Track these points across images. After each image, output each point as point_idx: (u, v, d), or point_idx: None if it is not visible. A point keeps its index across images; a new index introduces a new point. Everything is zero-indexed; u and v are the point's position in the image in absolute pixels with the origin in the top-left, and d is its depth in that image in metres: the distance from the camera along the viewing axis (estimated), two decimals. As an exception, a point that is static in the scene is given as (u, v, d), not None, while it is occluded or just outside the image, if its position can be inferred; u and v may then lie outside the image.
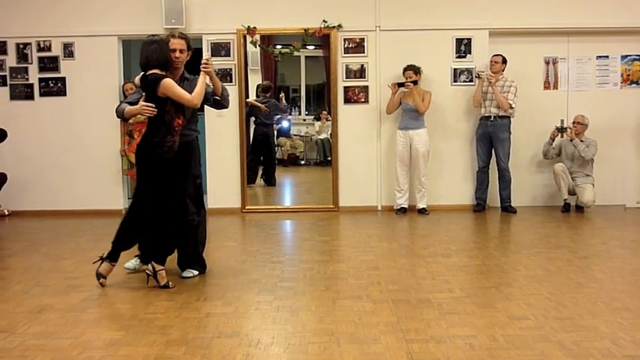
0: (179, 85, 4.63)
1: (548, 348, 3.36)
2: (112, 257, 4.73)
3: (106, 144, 8.06)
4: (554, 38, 8.15)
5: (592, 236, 6.60)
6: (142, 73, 4.61)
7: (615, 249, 5.83)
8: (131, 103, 4.77)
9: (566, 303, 4.15)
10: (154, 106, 4.51)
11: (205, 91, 4.73)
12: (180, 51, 4.76)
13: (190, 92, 4.58)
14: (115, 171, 8.14)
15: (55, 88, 8.05)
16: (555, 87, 8.29)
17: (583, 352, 3.30)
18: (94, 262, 4.77)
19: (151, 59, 4.55)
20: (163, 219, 4.62)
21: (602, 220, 7.31)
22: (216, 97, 4.94)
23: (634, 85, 8.29)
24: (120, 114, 4.85)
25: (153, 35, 4.73)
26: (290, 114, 11.69)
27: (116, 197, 8.17)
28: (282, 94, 10.59)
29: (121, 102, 4.87)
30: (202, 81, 4.66)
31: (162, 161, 4.55)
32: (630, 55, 8.26)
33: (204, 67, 4.70)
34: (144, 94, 4.62)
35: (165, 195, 4.61)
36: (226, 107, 5.13)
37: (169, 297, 4.42)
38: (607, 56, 8.26)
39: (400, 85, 7.72)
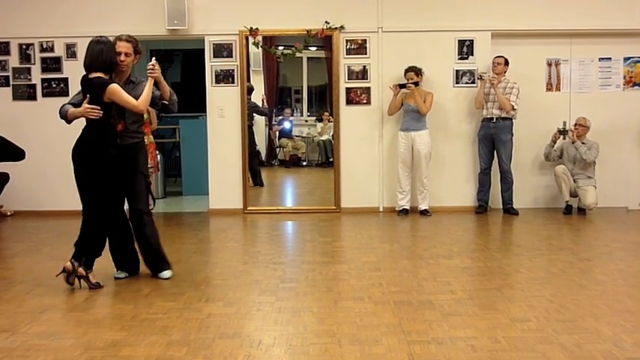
0: (124, 88, 4.61)
1: (550, 350, 3.36)
2: (85, 264, 4.64)
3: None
4: (556, 40, 8.14)
5: (594, 238, 6.59)
6: (85, 73, 4.59)
7: (617, 251, 5.82)
8: (74, 105, 4.68)
9: (568, 305, 4.15)
10: (99, 108, 4.49)
11: (153, 95, 4.71)
12: (126, 54, 4.75)
13: (135, 95, 4.57)
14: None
15: (57, 88, 8.07)
16: (558, 89, 8.28)
17: (585, 355, 3.30)
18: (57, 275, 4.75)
19: (95, 60, 4.55)
20: (99, 218, 4.60)
21: (605, 222, 7.30)
22: (164, 102, 4.89)
23: (636, 87, 8.28)
24: (63, 115, 4.71)
25: (101, 36, 4.69)
26: (292, 115, 11.69)
27: (118, 198, 8.16)
28: (263, 97, 10.50)
29: (64, 104, 4.78)
30: (149, 86, 4.65)
31: (104, 162, 4.54)
32: (633, 57, 8.25)
33: (150, 73, 4.68)
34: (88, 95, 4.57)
35: (104, 195, 4.60)
36: (174, 112, 5.05)
37: (171, 297, 4.42)
38: (609, 58, 8.26)
39: (402, 86, 7.72)
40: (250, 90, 9.49)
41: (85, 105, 4.53)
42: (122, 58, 4.71)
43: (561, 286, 4.65)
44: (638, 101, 8.23)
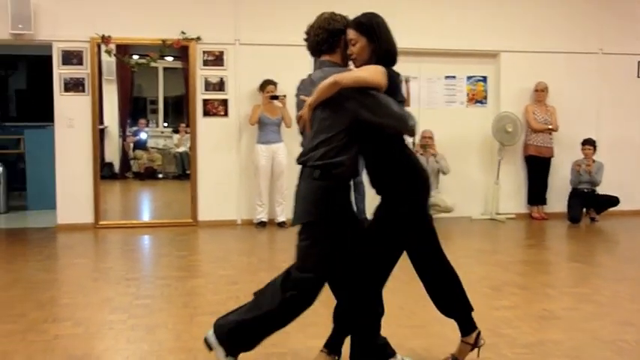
0: None
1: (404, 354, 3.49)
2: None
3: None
4: (407, 58, 8.47)
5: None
6: None
7: (461, 258, 6.13)
8: None
9: (417, 311, 4.34)
10: None
11: None
12: None
13: None
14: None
15: None
16: (408, 104, 8.65)
17: (434, 358, 3.46)
18: None
19: None
20: None
21: (450, 232, 7.71)
22: None
23: (478, 104, 8.87)
24: None
25: None
26: (147, 126, 11.37)
27: None
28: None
29: None
30: None
31: None
32: (475, 76, 8.84)
33: None
34: None
35: None
36: None
37: (12, 319, 4.13)
38: (454, 76, 8.79)
39: (273, 97, 7.70)
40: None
41: None
42: None
43: (411, 293, 4.83)
44: (480, 117, 8.81)
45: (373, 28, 3.02)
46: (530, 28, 8.71)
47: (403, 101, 3.12)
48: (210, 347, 3.14)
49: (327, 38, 3.07)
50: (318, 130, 3.02)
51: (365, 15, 3.07)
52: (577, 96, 8.84)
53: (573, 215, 8.34)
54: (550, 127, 8.57)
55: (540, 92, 8.63)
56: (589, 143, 8.39)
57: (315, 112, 3.01)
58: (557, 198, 8.70)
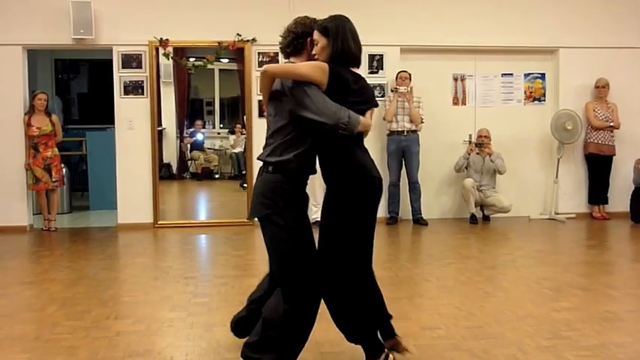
0: None
1: (459, 356, 3.46)
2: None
3: (11, 157, 7.72)
4: (462, 56, 8.44)
5: (499, 247, 6.84)
6: None
7: (520, 259, 6.06)
8: None
9: (475, 312, 4.28)
10: None
11: None
12: None
13: None
14: (19, 185, 7.79)
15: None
16: (464, 103, 8.58)
17: (491, 359, 3.40)
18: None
19: None
20: None
21: (508, 232, 7.59)
22: None
23: (536, 101, 8.70)
24: None
25: None
26: (204, 127, 11.56)
27: (20, 213, 7.82)
28: None
29: None
30: None
31: None
32: (533, 74, 8.67)
33: None
34: None
35: None
36: None
37: (77, 316, 4.26)
38: (511, 74, 8.64)
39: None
40: None
41: None
42: None
43: (469, 293, 4.79)
44: (538, 115, 8.63)
45: (333, 29, 3.12)
46: (590, 23, 8.48)
47: (366, 102, 3.20)
48: None
49: (292, 41, 3.23)
50: (269, 125, 3.19)
51: (329, 17, 3.19)
52: (639, 92, 8.57)
53: (636, 215, 8.09)
54: (611, 124, 8.34)
55: (601, 89, 8.40)
56: (653, 141, 8.13)
57: (267, 109, 3.20)
58: (620, 197, 8.45)
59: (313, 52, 3.17)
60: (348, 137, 3.06)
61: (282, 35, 3.30)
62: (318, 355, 3.49)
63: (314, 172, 3.21)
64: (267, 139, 3.17)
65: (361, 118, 3.09)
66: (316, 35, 3.16)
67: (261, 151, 3.21)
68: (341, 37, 3.11)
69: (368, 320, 3.19)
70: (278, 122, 3.10)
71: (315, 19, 3.25)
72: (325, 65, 3.04)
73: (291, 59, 3.24)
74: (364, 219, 3.19)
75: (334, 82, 3.03)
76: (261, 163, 3.18)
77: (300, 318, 3.08)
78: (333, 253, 3.11)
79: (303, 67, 3.05)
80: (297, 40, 3.22)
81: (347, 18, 3.20)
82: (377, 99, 8.13)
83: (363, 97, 3.17)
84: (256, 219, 3.19)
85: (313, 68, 3.03)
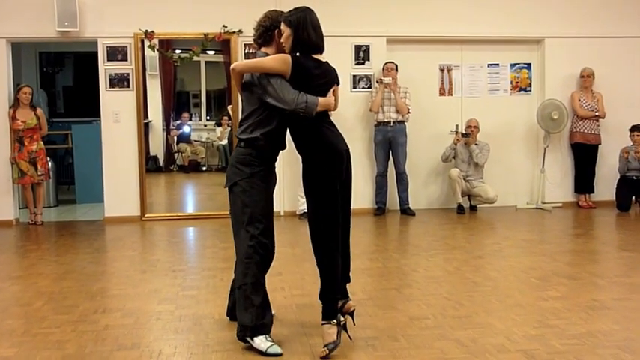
0: None
1: (447, 345, 3.48)
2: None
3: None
4: (448, 46, 8.45)
5: (486, 236, 6.88)
6: None
7: (508, 248, 6.09)
8: None
9: (463, 302, 4.30)
10: None
11: None
12: None
13: None
14: (4, 179, 7.74)
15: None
16: (450, 93, 8.59)
17: (479, 348, 3.43)
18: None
19: None
20: None
21: (495, 222, 7.63)
22: None
23: (522, 91, 8.73)
24: None
25: None
26: (190, 119, 11.49)
27: (6, 207, 7.77)
28: None
29: None
30: None
31: None
32: (519, 64, 8.69)
33: None
34: None
35: None
36: None
37: (65, 310, 4.24)
38: (497, 64, 8.66)
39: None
40: None
41: None
42: None
43: (456, 283, 4.81)
44: (524, 105, 8.67)
45: (294, 21, 3.45)
46: (575, 13, 8.51)
47: (329, 83, 3.57)
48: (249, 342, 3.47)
49: (262, 33, 3.59)
50: (242, 109, 3.64)
51: (293, 9, 3.53)
52: (624, 82, 8.61)
53: (622, 203, 8.16)
54: (597, 113, 8.39)
55: (586, 78, 8.45)
56: (638, 130, 8.17)
57: (241, 97, 3.64)
58: (605, 186, 8.51)
59: (280, 40, 3.51)
60: (314, 117, 3.42)
61: (254, 28, 3.64)
62: (307, 347, 3.50)
63: (283, 148, 3.70)
64: (241, 120, 3.60)
65: (320, 99, 3.43)
66: (282, 26, 3.49)
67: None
68: (302, 28, 3.45)
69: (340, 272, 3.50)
70: (250, 107, 3.53)
71: (282, 12, 3.57)
72: (287, 57, 3.42)
73: (263, 50, 3.61)
74: (333, 182, 3.46)
75: (297, 71, 3.41)
76: None
77: (257, 257, 3.58)
78: (309, 203, 3.51)
79: (267, 61, 3.43)
80: (266, 32, 3.58)
81: (310, 10, 3.54)
82: (364, 90, 8.21)
83: (326, 79, 3.55)
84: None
85: (276, 61, 3.41)
